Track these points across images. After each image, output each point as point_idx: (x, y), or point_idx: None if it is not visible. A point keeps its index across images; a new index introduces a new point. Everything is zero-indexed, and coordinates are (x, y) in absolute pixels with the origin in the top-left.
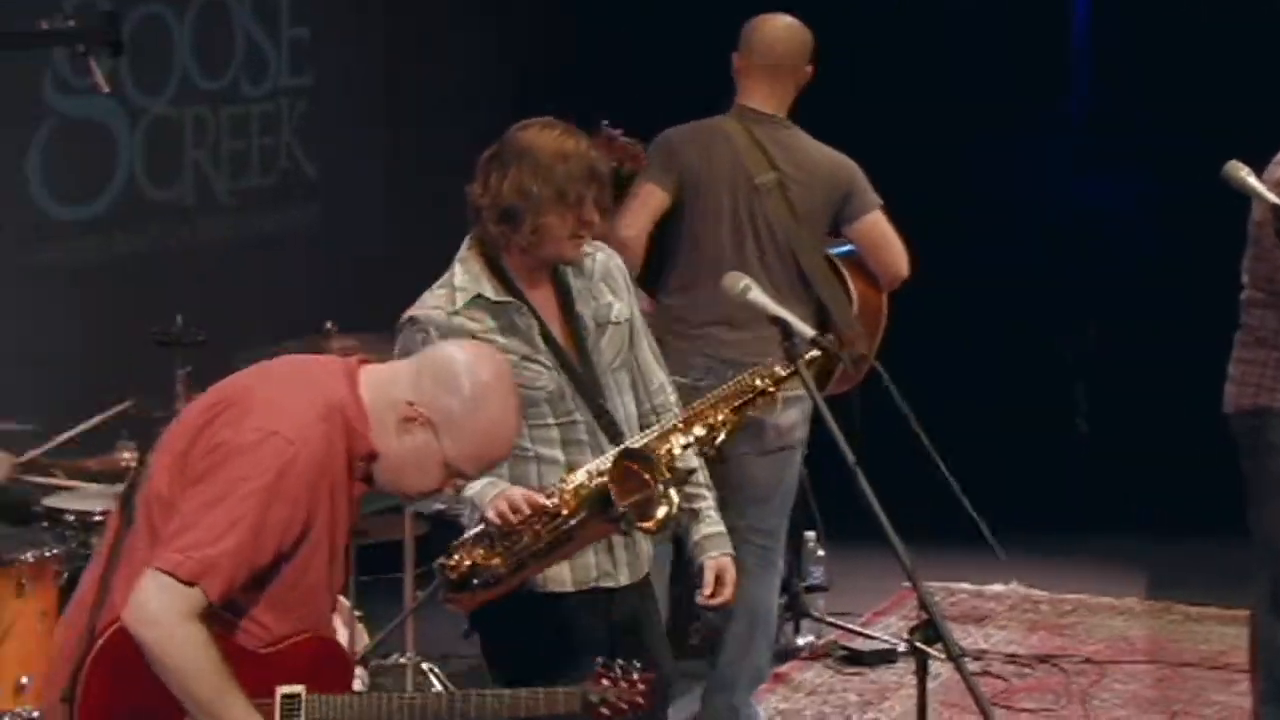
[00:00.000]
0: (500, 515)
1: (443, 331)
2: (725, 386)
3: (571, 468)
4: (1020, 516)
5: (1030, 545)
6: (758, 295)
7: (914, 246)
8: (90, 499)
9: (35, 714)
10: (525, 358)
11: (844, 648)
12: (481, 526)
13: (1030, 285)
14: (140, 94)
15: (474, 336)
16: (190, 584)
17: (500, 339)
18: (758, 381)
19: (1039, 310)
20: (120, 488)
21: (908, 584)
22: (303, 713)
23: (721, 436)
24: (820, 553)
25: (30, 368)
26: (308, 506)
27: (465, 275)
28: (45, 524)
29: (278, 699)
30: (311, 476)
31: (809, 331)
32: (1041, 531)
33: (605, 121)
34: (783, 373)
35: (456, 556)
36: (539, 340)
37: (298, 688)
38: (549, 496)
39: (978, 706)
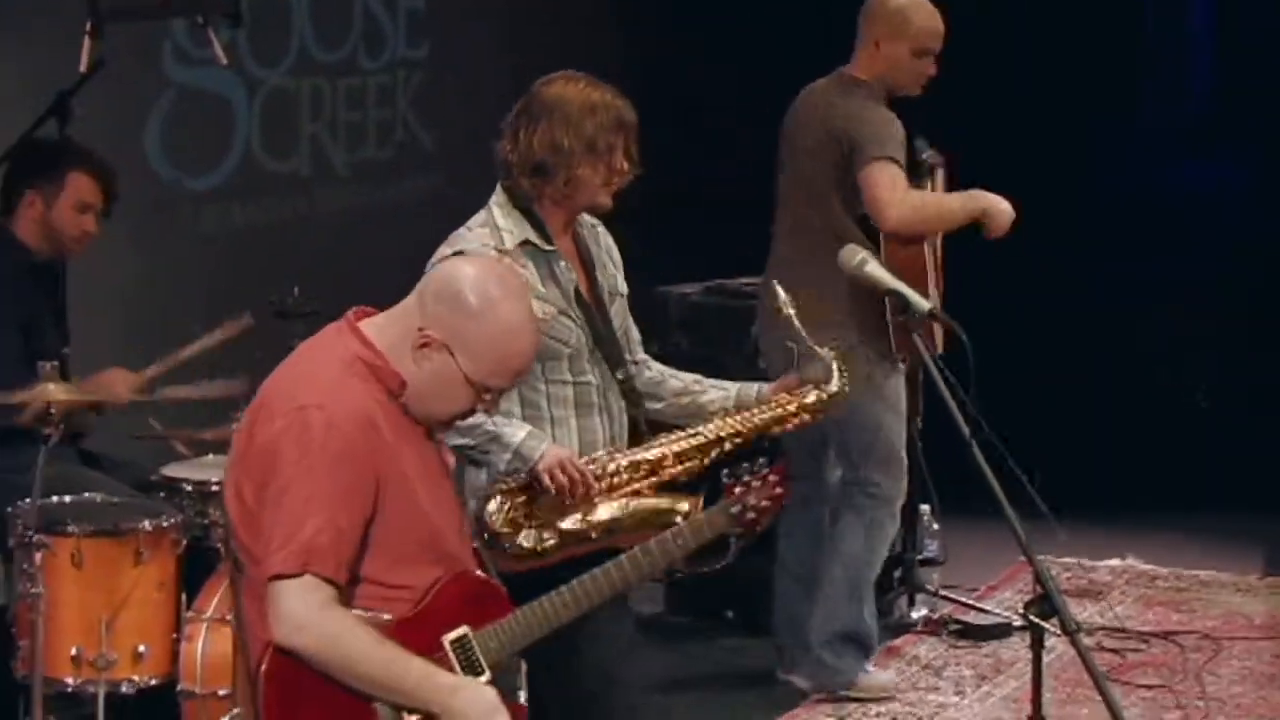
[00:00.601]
0: (558, 484)
1: None
2: (762, 408)
3: (583, 431)
4: (1139, 491)
5: (1147, 520)
6: (874, 268)
7: (1038, 225)
8: (207, 468)
9: (153, 682)
10: (561, 312)
11: (958, 622)
12: (525, 479)
13: (1152, 261)
14: (258, 65)
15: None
16: (301, 574)
17: (541, 288)
18: (792, 408)
19: (1161, 286)
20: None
21: (1023, 558)
22: (478, 650)
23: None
24: (935, 526)
25: (148, 339)
26: (367, 458)
27: (507, 219)
28: (163, 493)
29: (448, 646)
30: (355, 428)
31: (925, 304)
32: (1159, 507)
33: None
34: (817, 399)
35: (498, 504)
36: (573, 295)
37: (462, 629)
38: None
39: (1093, 682)
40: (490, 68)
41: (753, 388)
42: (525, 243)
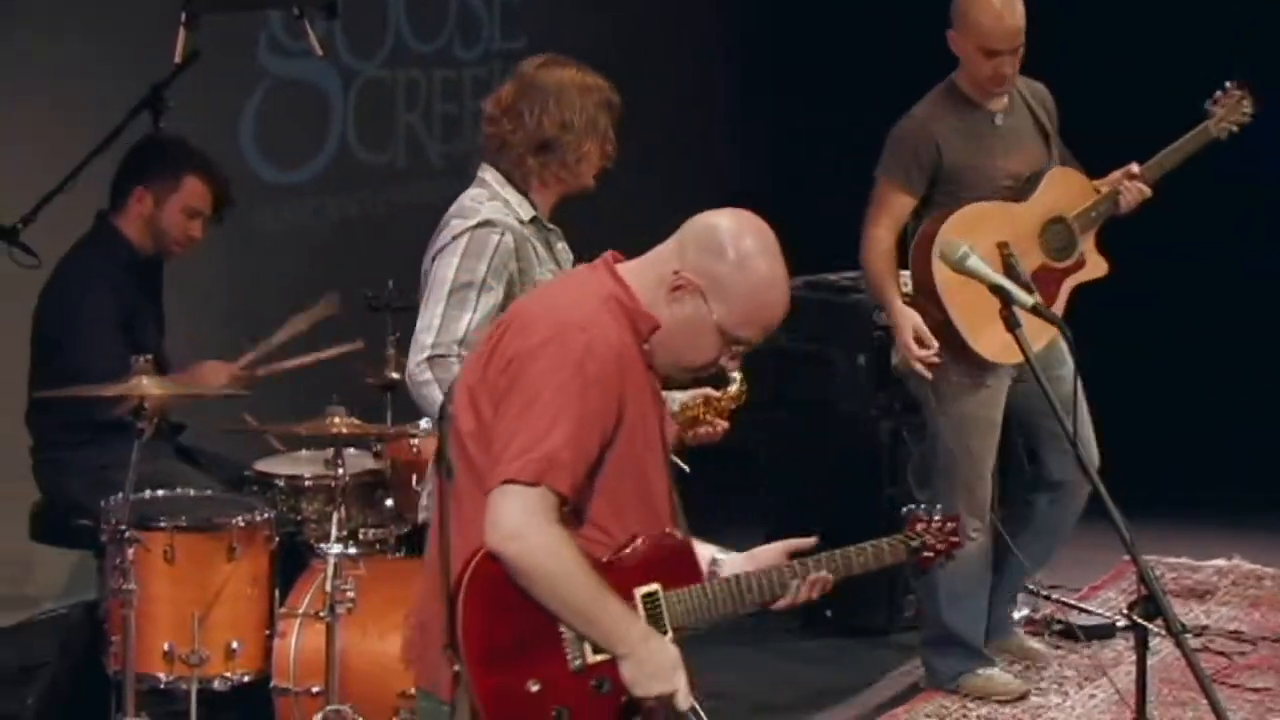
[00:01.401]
0: None
1: (516, 237)
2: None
3: None
4: (1246, 490)
5: (1255, 520)
6: (976, 263)
7: (1156, 215)
8: (301, 463)
9: (245, 678)
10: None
11: (1061, 622)
12: None
13: (1270, 253)
14: (353, 57)
15: (535, 252)
16: (536, 484)
17: (544, 265)
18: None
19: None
20: (329, 452)
21: (1127, 557)
22: (664, 609)
23: None
24: None
25: (242, 333)
26: (617, 390)
27: (514, 194)
28: (256, 488)
29: (638, 600)
30: (612, 357)
31: (1029, 300)
32: (1267, 506)
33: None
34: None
35: None
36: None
37: (653, 585)
38: None
39: (1199, 684)
40: (587, 59)
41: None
42: (534, 219)
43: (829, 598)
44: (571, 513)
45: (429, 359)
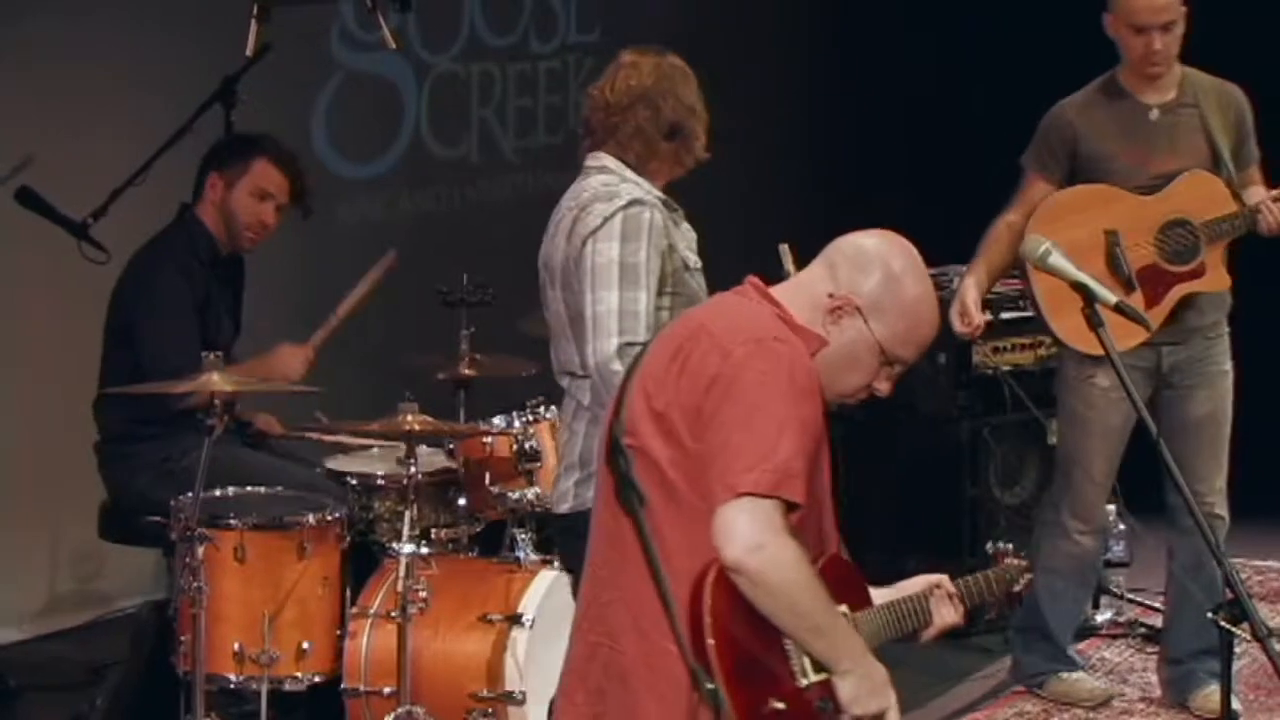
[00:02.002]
0: None
1: (660, 217)
2: None
3: None
4: None
5: None
6: (1057, 259)
7: None
8: (372, 461)
9: (316, 679)
10: (690, 268)
11: (1145, 625)
12: None
13: None
14: (427, 50)
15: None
16: (770, 496)
17: (678, 244)
18: None
19: None
20: (401, 450)
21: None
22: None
23: None
24: (1121, 527)
25: (313, 328)
26: (818, 402)
27: (636, 177)
28: (327, 486)
29: None
30: (811, 368)
31: (1112, 298)
32: None
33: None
34: None
35: None
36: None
37: (843, 607)
38: None
39: None
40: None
41: None
42: (665, 202)
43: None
44: None
45: (619, 349)
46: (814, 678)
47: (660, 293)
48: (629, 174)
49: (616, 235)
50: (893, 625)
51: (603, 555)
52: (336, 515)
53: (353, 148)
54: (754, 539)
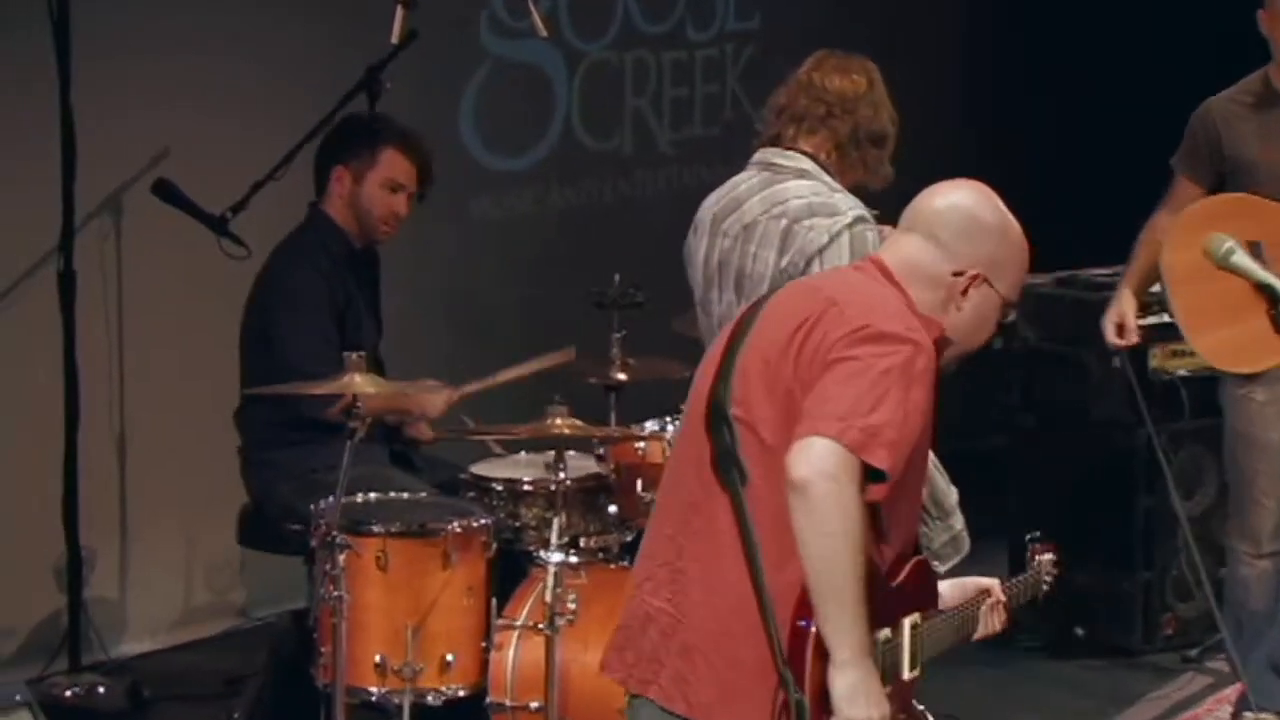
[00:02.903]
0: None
1: (876, 237)
2: None
3: None
4: None
5: None
6: (1242, 258)
7: None
8: (520, 467)
9: (460, 693)
10: None
11: None
12: None
13: None
14: (579, 37)
15: None
16: (854, 452)
17: None
18: None
19: None
20: (549, 455)
21: None
22: (922, 642)
23: None
24: None
25: (459, 325)
26: (931, 395)
27: (834, 180)
28: (472, 493)
29: (906, 630)
30: (927, 362)
31: None
32: None
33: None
34: None
35: None
36: None
37: (915, 615)
38: None
39: None
40: (824, 41)
41: None
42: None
43: (1080, 614)
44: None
45: None
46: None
47: None
48: (829, 179)
49: (846, 256)
50: (951, 635)
51: (682, 519)
52: (482, 522)
53: (500, 139)
54: (832, 470)
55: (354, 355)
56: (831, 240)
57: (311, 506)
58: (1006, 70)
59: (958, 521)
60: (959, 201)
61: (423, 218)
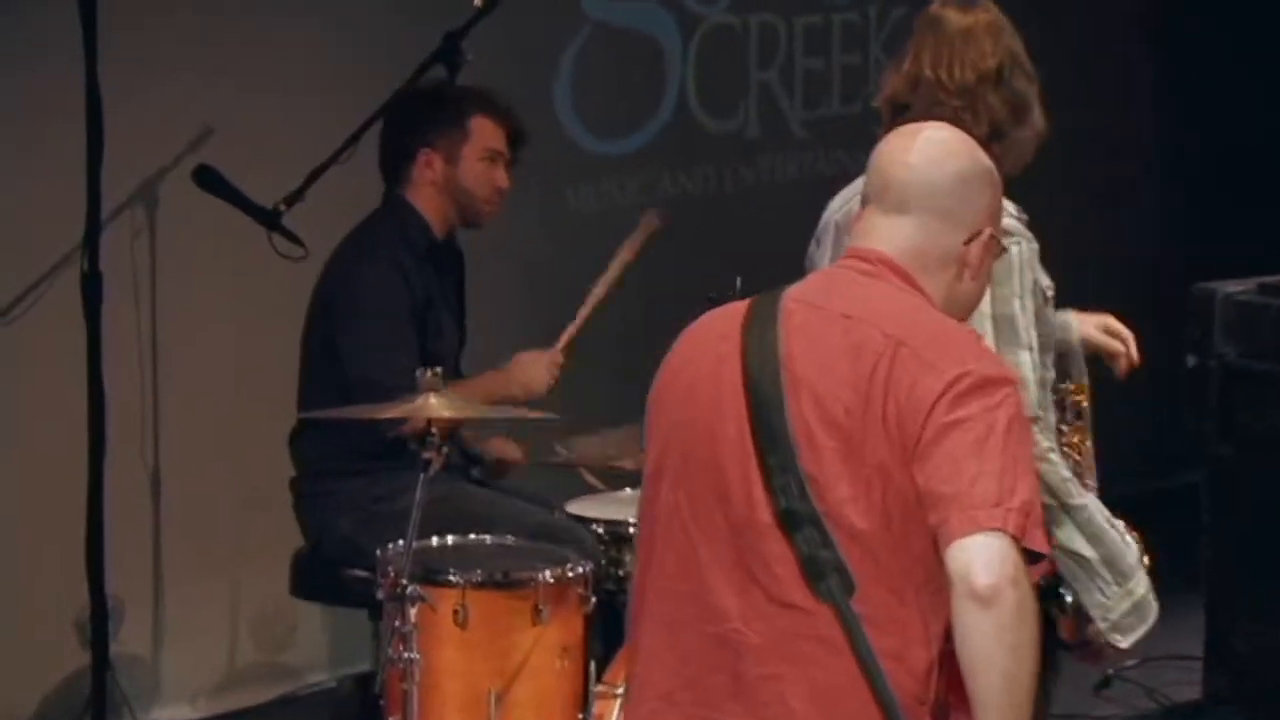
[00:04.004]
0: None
1: (1028, 247)
2: None
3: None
4: None
5: None
6: None
7: None
8: (624, 505)
9: None
10: (1048, 298)
11: None
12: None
13: None
14: None
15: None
16: (1017, 540)
17: (1041, 277)
18: None
19: None
20: None
21: None
22: None
23: None
24: None
25: (554, 334)
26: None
27: None
28: (568, 535)
29: None
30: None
31: None
32: None
33: None
34: None
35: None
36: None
37: None
38: None
39: None
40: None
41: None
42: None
43: None
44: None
45: None
46: None
47: None
48: None
49: (1003, 280)
50: None
51: (757, 614)
52: (580, 571)
53: (603, 118)
54: (1013, 572)
55: (429, 372)
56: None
57: (378, 551)
58: (1203, 49)
59: (1140, 584)
60: (944, 161)
61: (512, 211)
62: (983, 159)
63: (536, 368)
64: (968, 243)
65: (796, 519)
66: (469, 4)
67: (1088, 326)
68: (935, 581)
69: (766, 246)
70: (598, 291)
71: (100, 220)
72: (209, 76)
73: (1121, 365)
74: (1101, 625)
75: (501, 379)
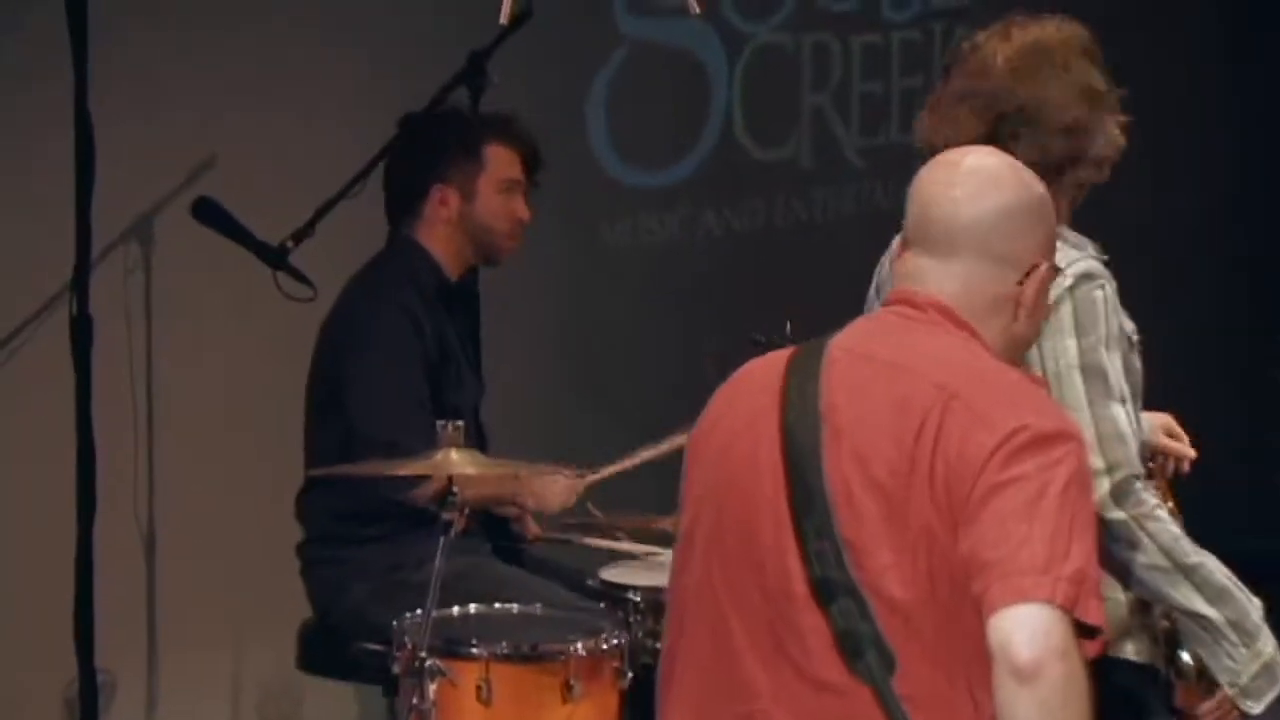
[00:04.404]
0: None
1: (1112, 290)
2: None
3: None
4: None
5: None
6: None
7: None
8: (663, 571)
9: None
10: (1133, 342)
11: None
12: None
13: None
14: (742, 16)
15: None
16: (1069, 609)
17: (1124, 319)
18: None
19: None
20: None
21: None
22: None
23: None
24: None
25: (585, 384)
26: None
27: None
28: (601, 604)
29: None
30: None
31: None
32: None
33: None
34: None
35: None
36: None
37: None
38: None
39: None
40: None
41: None
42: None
43: None
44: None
45: (1116, 490)
46: None
47: None
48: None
49: (1069, 328)
50: None
51: (789, 694)
52: (615, 643)
53: (641, 146)
54: (1060, 645)
55: (449, 425)
56: (1050, 308)
57: (394, 621)
58: (1263, 49)
59: (1268, 644)
60: (990, 194)
61: (540, 249)
62: (1034, 187)
63: (556, 486)
64: (1021, 282)
65: (832, 589)
66: (494, 22)
67: (1156, 434)
68: (987, 658)
69: (819, 287)
70: (648, 454)
71: (90, 258)
72: (211, 99)
73: (1185, 466)
74: (1230, 691)
75: (513, 482)
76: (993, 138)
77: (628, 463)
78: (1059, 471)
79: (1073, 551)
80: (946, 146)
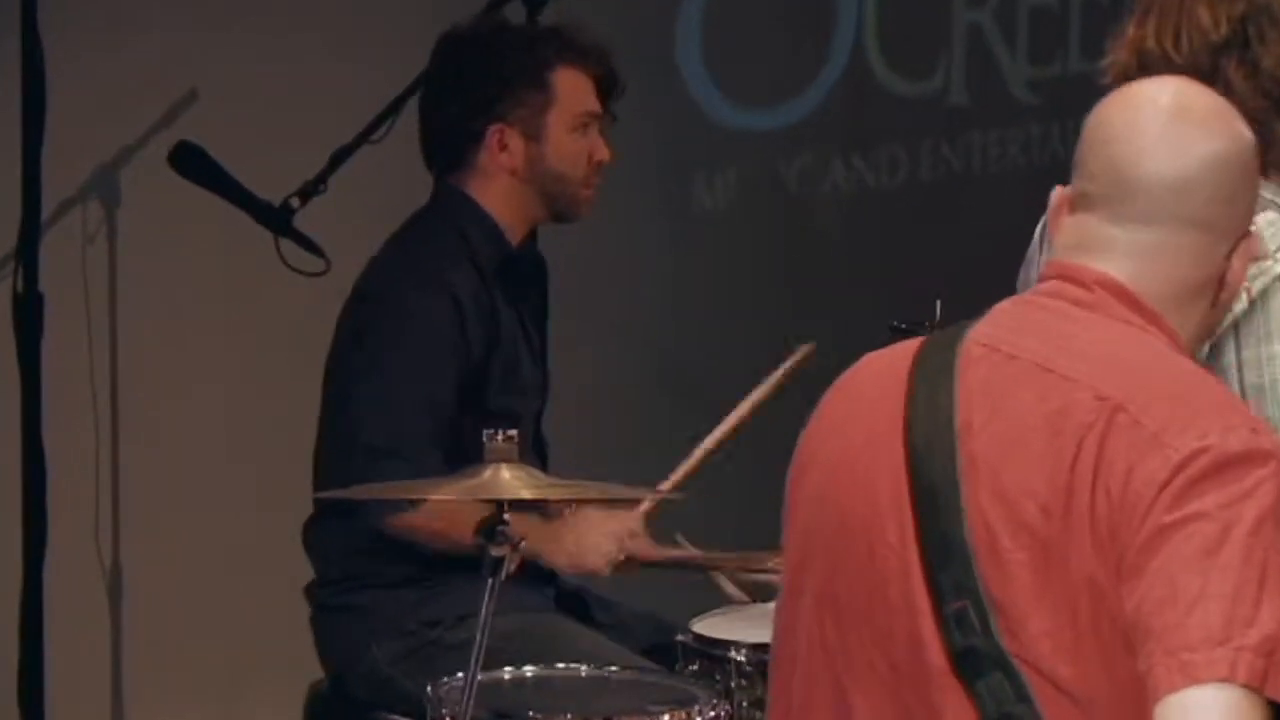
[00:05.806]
0: None
1: None
2: None
3: None
4: None
5: None
6: None
7: None
8: (764, 623)
9: None
10: None
11: None
12: None
13: None
14: None
15: None
16: (1252, 687)
17: None
18: None
19: None
20: None
21: None
22: None
23: None
24: None
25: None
26: None
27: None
28: (694, 664)
29: None
30: None
31: None
32: None
33: None
34: None
35: None
36: None
37: None
38: None
39: None
40: None
41: None
42: None
43: None
44: None
45: None
46: None
47: None
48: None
49: (1276, 330)
50: None
51: None
52: (713, 713)
53: (746, 80)
54: None
55: (499, 435)
56: (1252, 304)
57: (428, 686)
58: None
59: None
60: (1207, 142)
61: (619, 206)
62: (1246, 134)
63: (597, 535)
64: (1229, 255)
65: (978, 662)
66: None
67: None
68: None
69: (977, 258)
70: (720, 429)
71: (40, 221)
72: (190, 25)
73: None
74: None
75: (545, 533)
76: (1229, 44)
77: (695, 459)
78: (1248, 507)
79: (1261, 613)
80: (1166, 61)
